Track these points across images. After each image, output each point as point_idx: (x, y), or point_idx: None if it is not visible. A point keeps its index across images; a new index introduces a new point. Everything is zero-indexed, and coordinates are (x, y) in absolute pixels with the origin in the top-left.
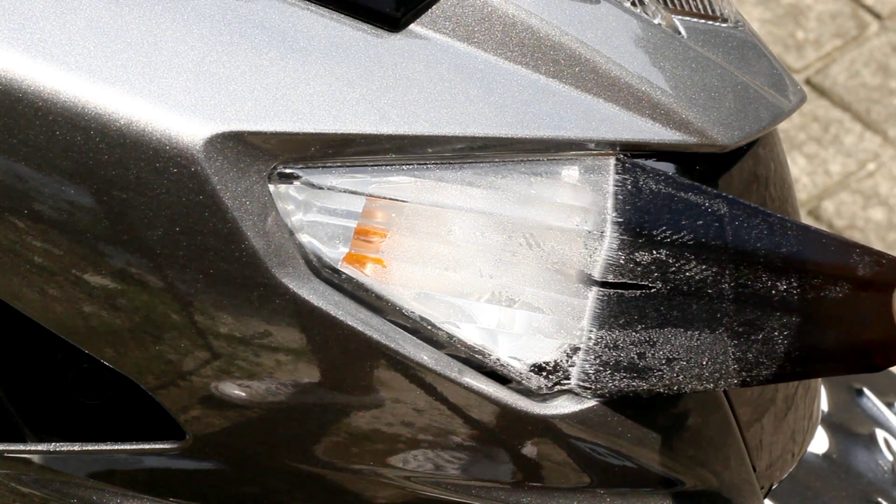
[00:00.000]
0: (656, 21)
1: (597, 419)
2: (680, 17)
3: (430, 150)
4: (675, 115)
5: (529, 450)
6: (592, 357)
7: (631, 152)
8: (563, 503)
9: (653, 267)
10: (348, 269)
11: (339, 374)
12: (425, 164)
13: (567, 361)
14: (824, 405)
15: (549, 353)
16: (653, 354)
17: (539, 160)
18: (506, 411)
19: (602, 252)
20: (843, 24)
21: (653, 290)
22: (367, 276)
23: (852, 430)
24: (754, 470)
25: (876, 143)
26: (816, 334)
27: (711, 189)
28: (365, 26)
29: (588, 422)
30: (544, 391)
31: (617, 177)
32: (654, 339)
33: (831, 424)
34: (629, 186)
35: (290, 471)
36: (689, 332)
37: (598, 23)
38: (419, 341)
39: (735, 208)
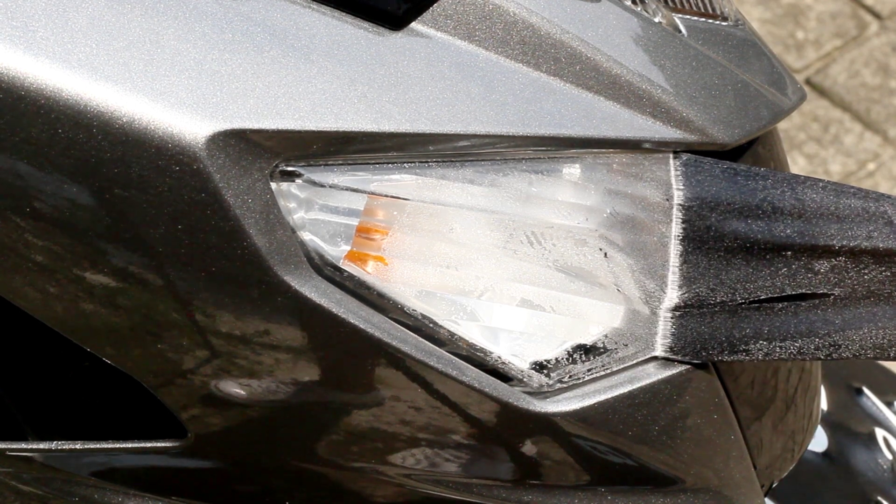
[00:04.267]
0: (657, 19)
1: (598, 417)
2: (680, 15)
3: (431, 149)
4: (676, 114)
5: (530, 448)
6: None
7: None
8: (564, 501)
9: (831, 275)
10: (350, 267)
11: (340, 372)
12: (427, 162)
13: (569, 359)
14: (824, 404)
15: (550, 350)
16: (839, 354)
17: (540, 158)
18: (507, 409)
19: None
20: (843, 24)
21: (831, 297)
22: (369, 273)
23: (852, 429)
24: (755, 468)
25: (876, 143)
26: None
27: (869, 191)
28: (366, 24)
29: (589, 420)
30: (545, 389)
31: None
32: (839, 343)
33: (831, 423)
34: (788, 199)
35: (291, 469)
36: (874, 332)
37: (599, 21)
38: (420, 339)
39: None
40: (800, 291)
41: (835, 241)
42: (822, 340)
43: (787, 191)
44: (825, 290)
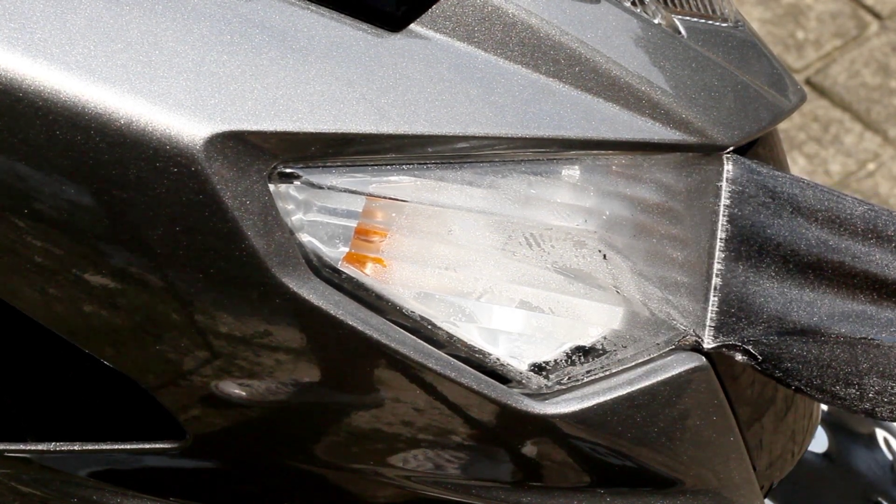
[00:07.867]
0: (656, 21)
1: (597, 419)
2: (680, 16)
3: (430, 150)
4: (675, 115)
5: (529, 449)
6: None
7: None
8: (563, 502)
9: None
10: (348, 269)
11: (339, 374)
12: (425, 163)
13: (567, 361)
14: (824, 405)
15: (549, 352)
16: None
17: (539, 160)
18: (505, 411)
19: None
20: (843, 24)
21: None
22: (368, 275)
23: (852, 430)
24: (754, 469)
25: (876, 143)
26: None
27: None
28: (365, 26)
29: (588, 421)
30: (544, 391)
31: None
32: None
33: (831, 424)
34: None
35: (290, 470)
36: None
37: (599, 22)
38: (419, 341)
39: None
40: None
41: None
42: None
43: None
44: None
